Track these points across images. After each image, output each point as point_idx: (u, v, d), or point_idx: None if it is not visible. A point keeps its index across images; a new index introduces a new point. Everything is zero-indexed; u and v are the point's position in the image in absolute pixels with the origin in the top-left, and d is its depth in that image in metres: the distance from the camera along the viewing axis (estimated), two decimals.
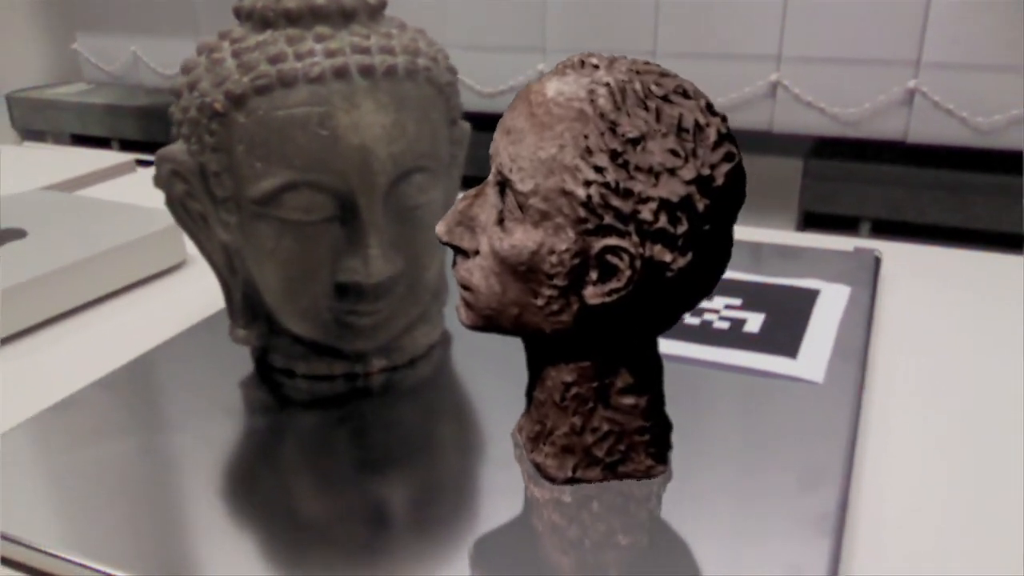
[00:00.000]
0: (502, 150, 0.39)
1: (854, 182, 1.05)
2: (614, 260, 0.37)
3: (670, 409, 0.48)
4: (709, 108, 0.38)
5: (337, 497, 0.46)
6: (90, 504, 0.46)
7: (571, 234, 0.38)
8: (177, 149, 0.54)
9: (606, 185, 0.37)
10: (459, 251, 0.42)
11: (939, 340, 0.62)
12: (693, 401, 0.53)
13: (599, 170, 0.37)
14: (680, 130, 0.37)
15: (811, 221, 1.14)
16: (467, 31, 1.15)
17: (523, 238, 0.39)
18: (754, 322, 0.61)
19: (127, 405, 0.56)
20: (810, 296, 0.64)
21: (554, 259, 0.38)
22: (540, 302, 0.39)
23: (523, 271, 0.39)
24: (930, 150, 1.02)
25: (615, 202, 0.37)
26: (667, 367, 0.57)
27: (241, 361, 0.60)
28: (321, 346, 0.56)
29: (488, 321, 0.42)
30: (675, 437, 0.47)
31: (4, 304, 0.66)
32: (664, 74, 0.39)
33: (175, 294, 0.75)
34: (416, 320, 0.58)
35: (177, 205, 0.55)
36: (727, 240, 0.40)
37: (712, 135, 0.37)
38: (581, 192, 0.37)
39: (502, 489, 0.46)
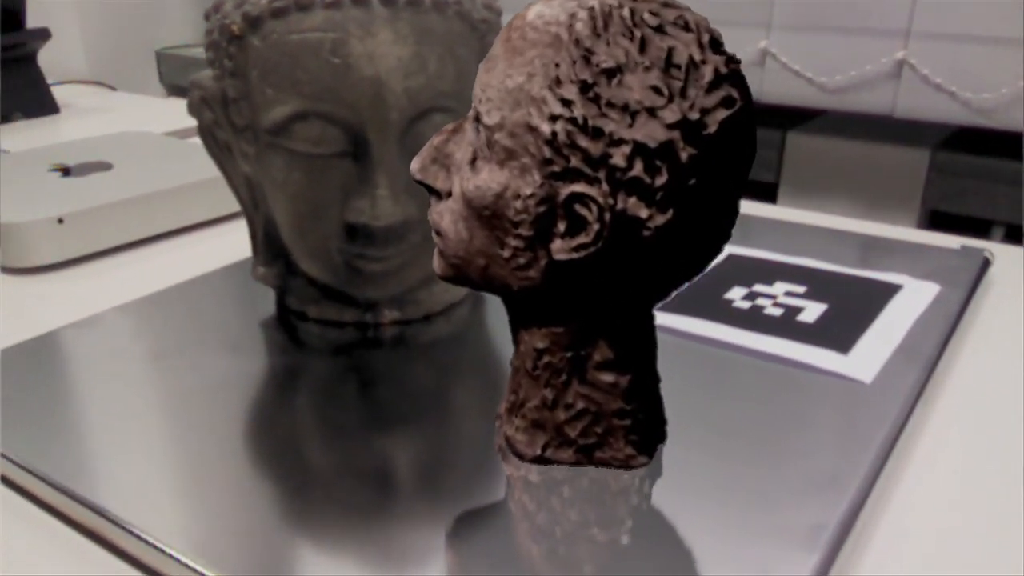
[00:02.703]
0: (478, 79, 0.34)
1: (988, 180, 0.92)
2: (582, 211, 0.31)
3: (687, 396, 0.41)
4: (713, 45, 0.31)
5: (337, 449, 0.42)
6: (82, 427, 0.43)
7: (537, 177, 0.31)
8: (205, 75, 0.51)
9: (573, 121, 0.30)
10: (432, 191, 0.36)
11: None
12: (715, 389, 0.46)
13: (566, 103, 0.30)
14: (669, 65, 0.30)
15: (937, 222, 1.01)
16: None
17: (488, 179, 0.33)
18: (812, 312, 0.52)
19: (142, 332, 0.54)
20: (888, 291, 0.55)
21: (519, 204, 0.32)
22: (506, 253, 0.33)
23: (487, 216, 0.33)
24: None
25: (583, 142, 0.30)
26: (698, 350, 0.50)
27: (267, 301, 0.57)
28: (333, 290, 0.52)
29: (457, 271, 0.36)
30: (681, 426, 0.40)
31: (73, 227, 0.65)
32: (668, 4, 0.32)
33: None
34: (434, 274, 0.53)
35: (207, 134, 0.52)
36: (726, 203, 0.33)
37: (708, 74, 0.30)
38: (546, 128, 0.31)
39: (498, 465, 0.40)
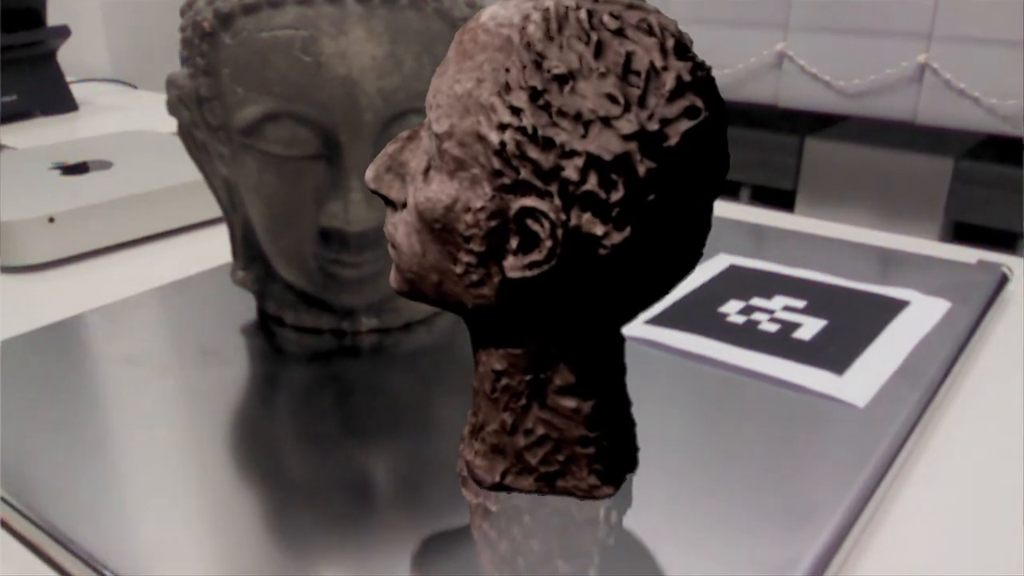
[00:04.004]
0: (431, 84, 0.31)
1: (1015, 191, 0.87)
2: (534, 226, 0.29)
3: (667, 417, 0.39)
4: (679, 50, 0.28)
5: (311, 462, 0.40)
6: (48, 436, 0.41)
7: (487, 189, 0.29)
8: (181, 73, 0.49)
9: (522, 131, 0.28)
10: (388, 202, 0.34)
11: None
12: (698, 410, 0.43)
13: (516, 111, 0.28)
14: (627, 72, 0.27)
15: (961, 234, 0.97)
16: None
17: (438, 190, 0.30)
18: (809, 328, 0.49)
19: (120, 336, 0.52)
20: (894, 307, 0.51)
21: (469, 218, 0.30)
22: (459, 269, 0.31)
23: (439, 230, 0.31)
24: None
25: (533, 153, 0.28)
26: (684, 367, 0.47)
27: (249, 305, 0.55)
28: (310, 297, 0.50)
29: (412, 286, 0.33)
30: (657, 451, 0.37)
31: (64, 226, 0.64)
32: (633, 6, 0.29)
33: None
34: None
35: (186, 134, 0.50)
36: (693, 220, 0.30)
37: (669, 82, 0.27)
38: (494, 137, 0.28)
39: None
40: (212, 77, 0.46)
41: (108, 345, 0.51)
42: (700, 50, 0.96)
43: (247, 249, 0.51)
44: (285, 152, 0.45)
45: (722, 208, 0.75)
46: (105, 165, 0.76)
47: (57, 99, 1.15)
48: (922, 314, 0.51)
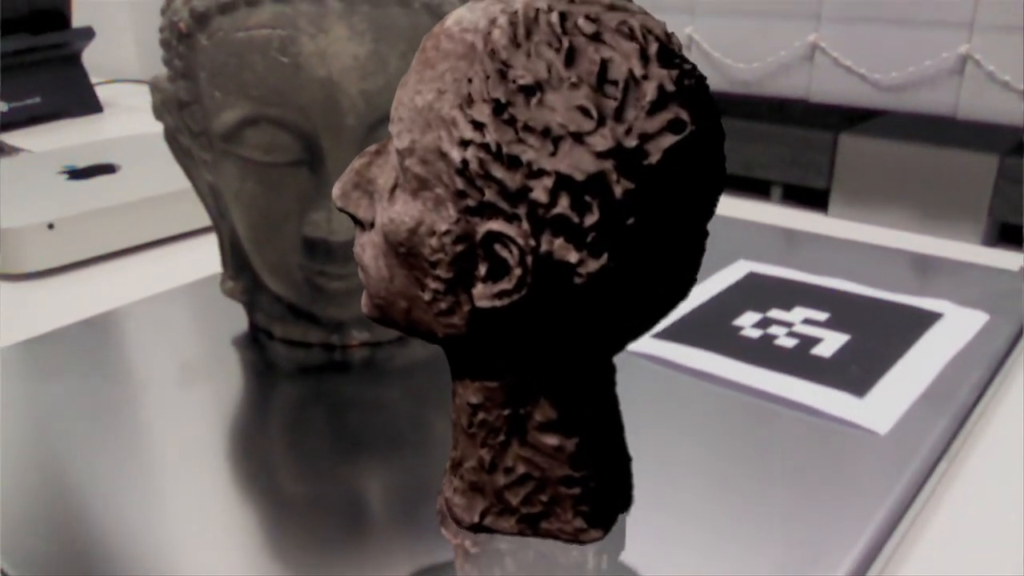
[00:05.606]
0: (395, 95, 0.28)
1: None
2: (503, 252, 0.25)
3: (668, 444, 0.36)
4: (662, 56, 0.25)
5: (301, 479, 0.38)
6: (31, 451, 0.39)
7: (451, 211, 0.26)
8: (162, 76, 0.46)
9: (485, 147, 0.24)
10: (357, 221, 0.31)
11: None
12: (703, 437, 0.39)
13: (478, 126, 0.25)
14: (603, 81, 0.24)
15: (1007, 236, 0.91)
16: None
17: (401, 211, 0.27)
18: (830, 344, 0.45)
19: (108, 348, 0.50)
20: (925, 320, 0.47)
21: (434, 242, 0.26)
22: (427, 296, 0.28)
23: (404, 254, 0.28)
24: None
25: (498, 172, 0.24)
26: (691, 387, 0.43)
27: (242, 315, 0.52)
28: (299, 309, 0.47)
29: (381, 312, 0.30)
30: (656, 484, 0.34)
31: (63, 233, 0.62)
32: (615, 7, 0.26)
33: None
34: None
35: (172, 139, 0.48)
36: (681, 244, 0.26)
37: (650, 92, 0.24)
38: (455, 155, 0.25)
39: None
40: (190, 80, 0.43)
41: (93, 358, 0.49)
42: (727, 44, 0.92)
43: (236, 258, 0.49)
44: (265, 158, 0.42)
45: (746, 209, 0.71)
46: (112, 169, 0.74)
47: (81, 101, 1.14)
48: (956, 328, 0.46)
